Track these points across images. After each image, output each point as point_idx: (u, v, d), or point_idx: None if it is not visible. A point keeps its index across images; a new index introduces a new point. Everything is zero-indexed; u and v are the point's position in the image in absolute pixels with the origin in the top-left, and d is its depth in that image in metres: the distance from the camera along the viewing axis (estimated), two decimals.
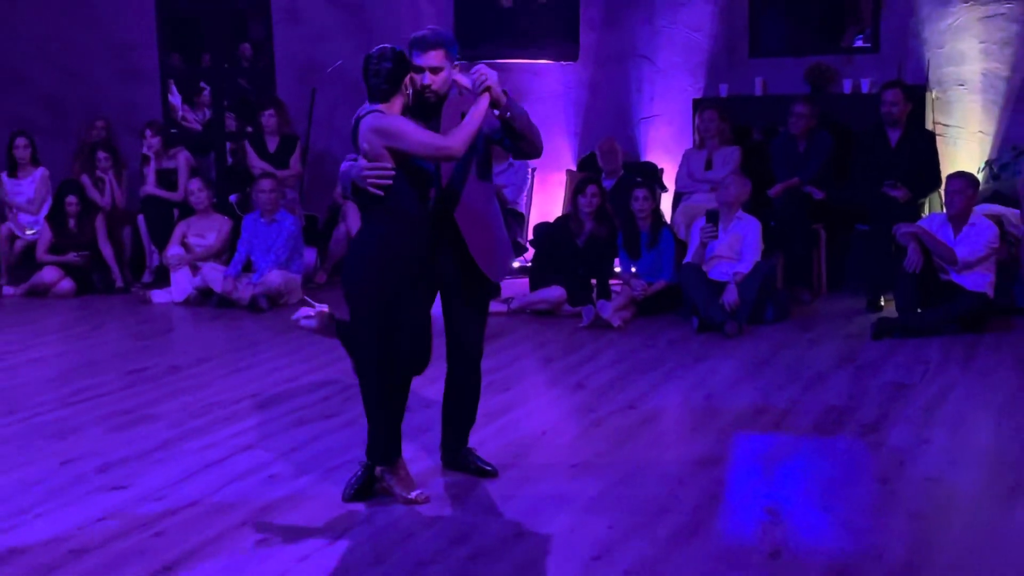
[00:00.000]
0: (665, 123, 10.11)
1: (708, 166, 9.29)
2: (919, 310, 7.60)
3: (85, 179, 10.32)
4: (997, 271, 7.70)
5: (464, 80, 4.70)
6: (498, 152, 5.65)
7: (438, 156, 4.49)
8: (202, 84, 12.13)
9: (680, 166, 9.52)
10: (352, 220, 9.52)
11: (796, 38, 9.98)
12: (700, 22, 9.94)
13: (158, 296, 9.47)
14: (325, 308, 4.83)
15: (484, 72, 4.57)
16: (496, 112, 4.63)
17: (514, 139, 4.71)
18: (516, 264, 9.64)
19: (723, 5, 9.86)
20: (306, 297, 5.31)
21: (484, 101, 4.56)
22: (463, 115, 4.61)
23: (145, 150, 10.36)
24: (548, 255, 8.57)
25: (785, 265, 8.66)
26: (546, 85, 10.47)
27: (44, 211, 10.27)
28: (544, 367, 7.12)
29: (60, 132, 11.75)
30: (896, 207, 8.37)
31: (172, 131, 11.31)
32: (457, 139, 4.46)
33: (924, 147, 8.70)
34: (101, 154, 10.40)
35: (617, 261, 8.65)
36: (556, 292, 8.36)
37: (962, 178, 7.74)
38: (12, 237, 10.32)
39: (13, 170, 10.53)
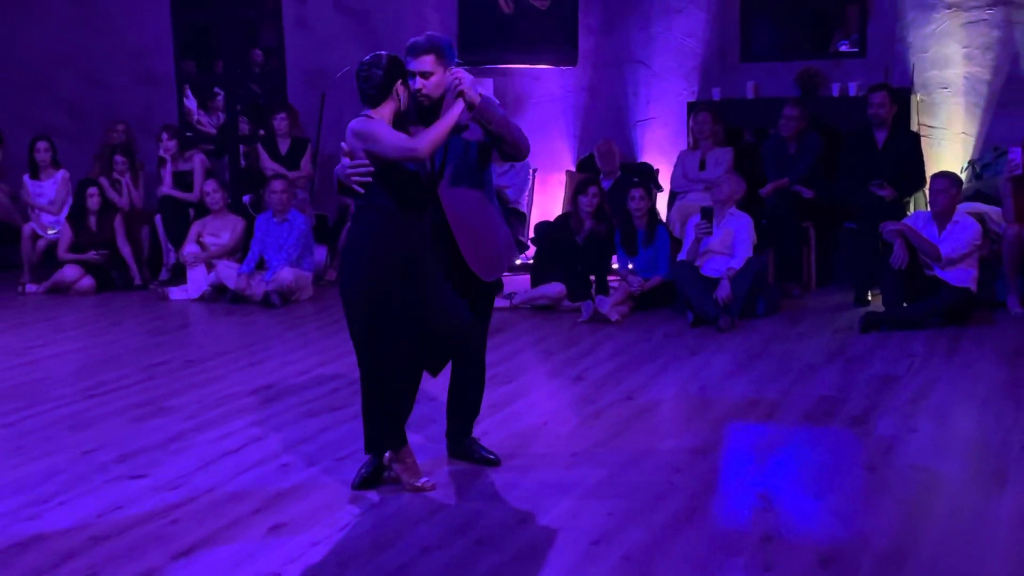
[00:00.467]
0: (661, 125, 10.10)
1: (702, 166, 9.27)
2: (905, 304, 7.58)
3: (103, 180, 10.31)
4: (980, 267, 7.69)
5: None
6: None
7: (405, 157, 4.46)
8: (216, 89, 12.12)
9: (675, 167, 9.50)
10: None
11: (786, 44, 9.95)
12: (694, 28, 9.92)
13: (175, 293, 9.47)
14: None
15: (458, 76, 4.55)
16: (473, 116, 4.58)
17: (492, 141, 4.67)
18: (518, 261, 9.63)
19: (716, 12, 9.84)
20: None
21: (458, 105, 4.54)
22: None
23: (162, 152, 10.34)
24: (549, 252, 8.56)
25: (776, 261, 8.65)
26: (546, 89, 10.46)
27: (65, 211, 10.26)
28: (545, 360, 7.11)
29: (80, 136, 11.75)
30: (883, 206, 8.35)
31: (188, 134, 11.29)
32: (423, 141, 4.44)
33: (909, 148, 8.68)
34: (118, 158, 10.40)
35: (615, 258, 8.64)
36: (556, 288, 8.35)
37: (946, 177, 7.73)
38: (35, 237, 10.31)
39: (35, 172, 10.52)
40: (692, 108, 9.62)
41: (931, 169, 8.58)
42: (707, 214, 8.00)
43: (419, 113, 4.64)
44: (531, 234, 9.69)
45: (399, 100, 4.57)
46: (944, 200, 7.60)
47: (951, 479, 4.70)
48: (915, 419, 5.48)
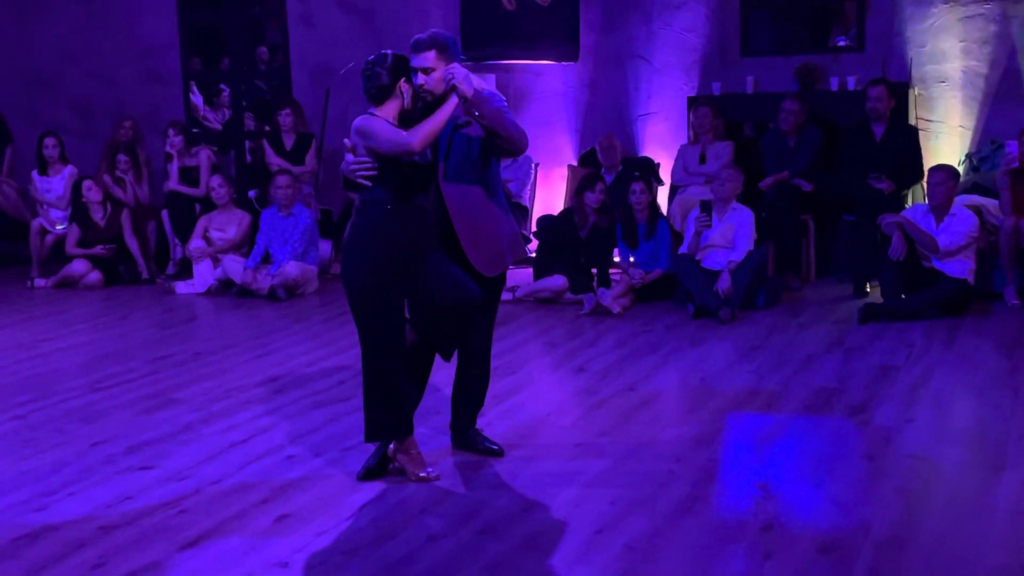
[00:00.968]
0: (661, 120, 10.08)
1: (702, 160, 9.26)
2: (903, 296, 7.57)
3: (107, 178, 10.31)
4: (977, 258, 7.68)
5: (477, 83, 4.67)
6: None
7: (399, 152, 4.47)
8: (222, 86, 12.11)
9: (676, 160, 9.49)
10: None
11: (785, 39, 9.93)
12: (694, 24, 9.90)
13: (181, 287, 9.47)
14: None
15: (453, 71, 4.55)
16: (465, 109, 4.58)
17: (487, 135, 4.66)
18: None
19: (715, 8, 9.81)
20: None
21: (452, 99, 4.53)
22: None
23: (168, 148, 10.34)
24: (552, 246, 8.55)
25: (776, 254, 8.63)
26: (548, 85, 10.44)
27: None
28: (548, 352, 7.10)
29: (88, 133, 11.75)
30: (881, 198, 8.34)
31: (194, 130, 11.28)
32: (416, 136, 4.45)
33: (907, 141, 8.66)
34: (121, 157, 10.39)
35: (616, 251, 8.63)
36: (559, 281, 8.34)
37: (943, 170, 7.72)
38: (43, 232, 10.32)
39: (43, 169, 10.52)
40: (692, 103, 9.60)
41: (929, 162, 8.56)
42: (706, 207, 7.99)
43: (424, 110, 4.63)
44: (533, 228, 9.68)
45: (403, 98, 4.57)
46: (942, 193, 7.59)
47: (949, 467, 4.70)
48: (913, 409, 5.48)
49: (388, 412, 4.61)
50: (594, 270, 8.34)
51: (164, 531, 4.23)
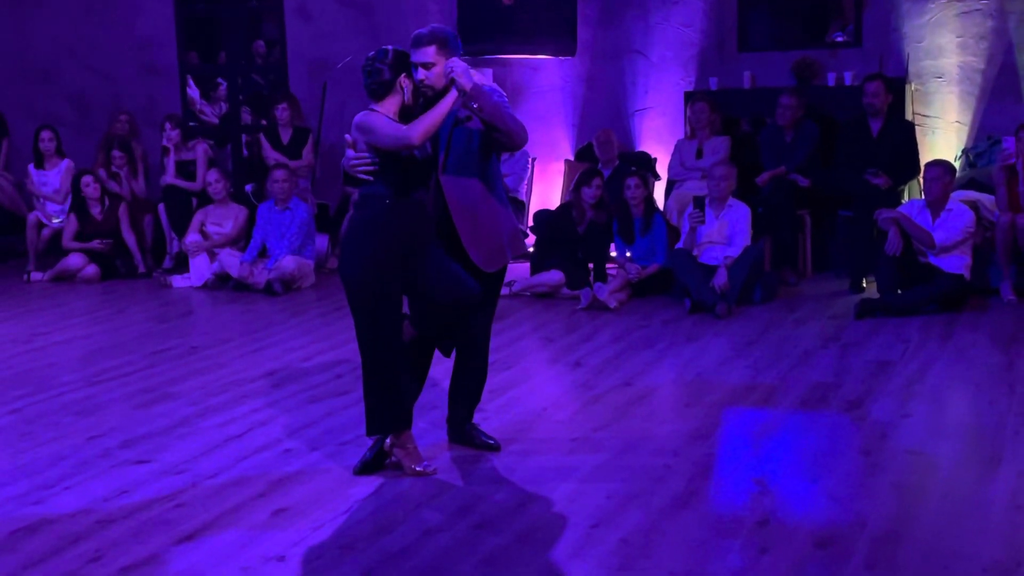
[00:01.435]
0: (658, 115, 10.08)
1: (699, 155, 9.26)
2: (900, 291, 7.58)
3: (102, 172, 10.30)
4: (973, 254, 7.69)
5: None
6: None
7: (399, 146, 4.48)
8: (219, 80, 12.10)
9: (672, 155, 9.49)
10: None
11: (782, 33, 9.92)
12: (691, 19, 9.90)
13: (178, 281, 9.46)
14: None
15: (452, 64, 4.55)
16: (463, 102, 4.58)
17: (485, 128, 4.66)
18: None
19: (713, 2, 9.81)
20: None
21: (452, 93, 4.54)
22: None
23: (165, 142, 10.32)
24: (549, 241, 8.55)
25: (772, 249, 8.64)
26: (545, 79, 10.43)
27: (69, 200, 10.24)
28: (544, 346, 7.11)
29: (85, 126, 11.73)
30: (878, 194, 8.34)
31: (191, 124, 11.26)
32: (415, 130, 4.45)
33: (904, 137, 8.67)
34: (116, 152, 10.37)
35: (613, 246, 8.63)
36: (555, 276, 8.34)
37: (940, 166, 7.72)
38: (40, 225, 10.30)
39: (40, 162, 10.51)
40: (689, 97, 9.60)
41: (925, 158, 8.58)
42: (699, 203, 7.99)
43: (425, 105, 4.63)
44: (530, 222, 9.68)
45: (404, 93, 4.58)
46: (938, 188, 7.59)
47: (945, 462, 4.70)
48: (910, 404, 5.48)
49: (388, 406, 4.61)
50: (591, 265, 8.34)
51: (161, 524, 4.23)
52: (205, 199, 9.91)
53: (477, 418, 5.13)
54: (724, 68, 9.77)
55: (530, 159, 9.99)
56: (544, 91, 10.42)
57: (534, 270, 8.58)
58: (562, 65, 10.37)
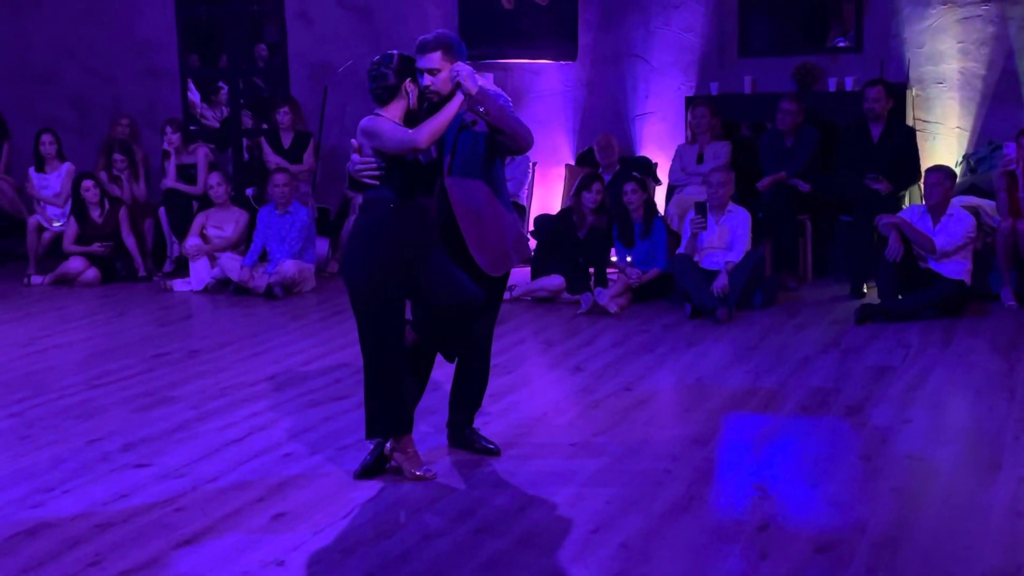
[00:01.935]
0: (659, 119, 10.08)
1: (700, 160, 9.26)
2: (900, 296, 7.58)
3: (103, 175, 10.31)
4: (973, 259, 7.68)
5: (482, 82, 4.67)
6: None
7: (405, 149, 4.49)
8: (220, 83, 12.11)
9: (673, 160, 9.49)
10: None
11: (783, 39, 9.93)
12: (692, 24, 9.90)
13: (178, 285, 9.46)
14: None
15: (458, 68, 4.56)
16: (469, 106, 4.58)
17: (491, 132, 4.67)
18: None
19: (714, 7, 9.82)
20: None
21: (457, 96, 4.54)
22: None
23: (166, 146, 10.33)
24: (550, 245, 8.55)
25: (773, 254, 8.64)
26: (546, 84, 10.44)
27: (70, 204, 10.24)
28: (544, 351, 7.11)
29: (85, 129, 11.73)
30: (878, 199, 8.35)
31: (191, 128, 11.27)
32: (422, 133, 4.47)
33: (904, 142, 8.67)
34: (117, 156, 10.39)
35: (613, 251, 8.63)
36: (556, 280, 8.35)
37: (940, 171, 7.73)
38: (40, 229, 10.31)
39: (40, 165, 10.51)
40: (690, 102, 9.61)
41: (926, 163, 8.57)
42: (701, 209, 8.00)
43: (430, 110, 4.63)
44: (531, 227, 9.68)
45: (408, 98, 4.59)
46: (938, 193, 7.59)
47: (945, 468, 4.70)
48: (910, 409, 5.48)
49: (389, 410, 4.62)
50: (591, 270, 8.34)
51: (160, 528, 4.23)
52: (206, 203, 9.91)
53: (477, 422, 5.13)
54: (725, 73, 9.78)
55: (531, 164, 9.99)
56: (545, 95, 10.43)
57: (535, 275, 8.59)
58: (563, 69, 10.38)
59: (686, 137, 9.64)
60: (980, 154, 8.99)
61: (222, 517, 4.33)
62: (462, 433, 5.04)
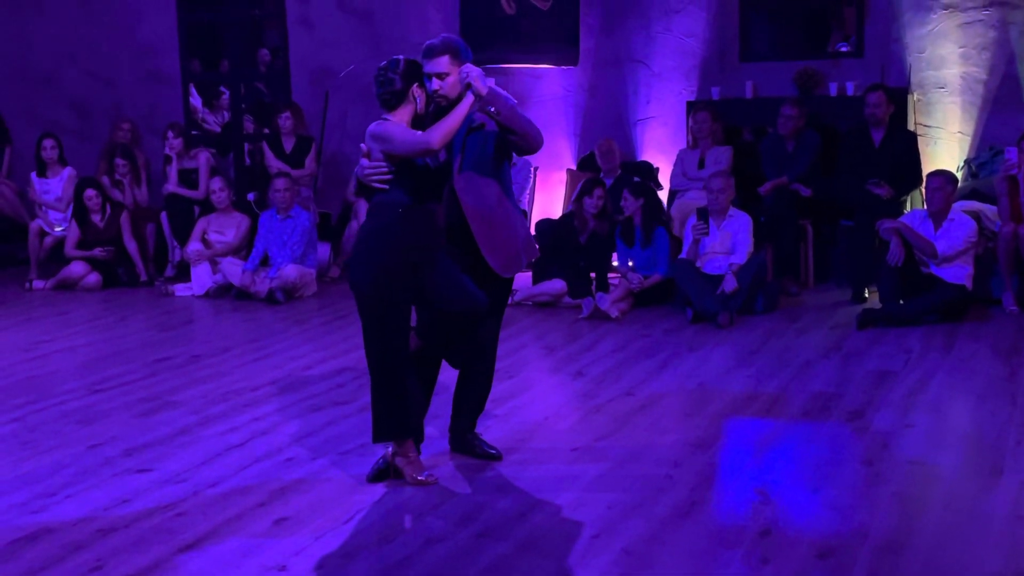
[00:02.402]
0: (660, 124, 10.09)
1: (701, 165, 9.27)
2: (901, 301, 7.58)
3: (105, 180, 10.32)
4: (975, 264, 7.69)
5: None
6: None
7: (418, 151, 4.50)
8: (221, 88, 12.12)
9: (675, 165, 9.50)
10: (363, 217, 9.50)
11: (784, 44, 9.95)
12: (693, 28, 9.91)
13: (180, 289, 9.47)
14: None
15: (467, 70, 4.57)
16: (479, 107, 4.60)
17: (501, 132, 4.67)
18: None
19: (715, 12, 9.83)
20: None
21: (468, 98, 4.55)
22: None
23: (167, 151, 10.34)
24: (551, 250, 8.56)
25: (774, 259, 8.64)
26: (547, 88, 10.45)
27: (71, 208, 10.25)
28: (546, 356, 7.11)
29: (87, 134, 11.75)
30: (879, 204, 8.35)
31: (193, 133, 11.29)
32: (435, 134, 4.47)
33: (906, 147, 8.68)
34: (119, 161, 10.40)
35: (615, 255, 8.64)
36: (557, 285, 8.35)
37: (941, 176, 7.74)
38: (42, 233, 10.32)
39: (42, 170, 10.53)
40: (691, 107, 9.62)
41: (927, 168, 8.59)
42: (703, 214, 8.00)
43: (437, 114, 4.64)
44: (532, 232, 9.69)
45: (416, 103, 4.59)
46: (940, 198, 7.60)
47: (947, 472, 4.71)
48: (911, 414, 5.49)
49: (394, 413, 4.62)
50: (593, 274, 8.35)
51: (162, 534, 4.23)
52: (207, 207, 9.92)
53: (479, 427, 5.13)
54: (726, 78, 9.79)
55: (532, 168, 10.00)
56: (546, 100, 10.44)
57: (536, 279, 8.59)
58: (564, 74, 10.39)
59: (687, 142, 9.64)
60: (981, 159, 8.99)
61: (224, 522, 4.33)
62: (464, 438, 5.04)
